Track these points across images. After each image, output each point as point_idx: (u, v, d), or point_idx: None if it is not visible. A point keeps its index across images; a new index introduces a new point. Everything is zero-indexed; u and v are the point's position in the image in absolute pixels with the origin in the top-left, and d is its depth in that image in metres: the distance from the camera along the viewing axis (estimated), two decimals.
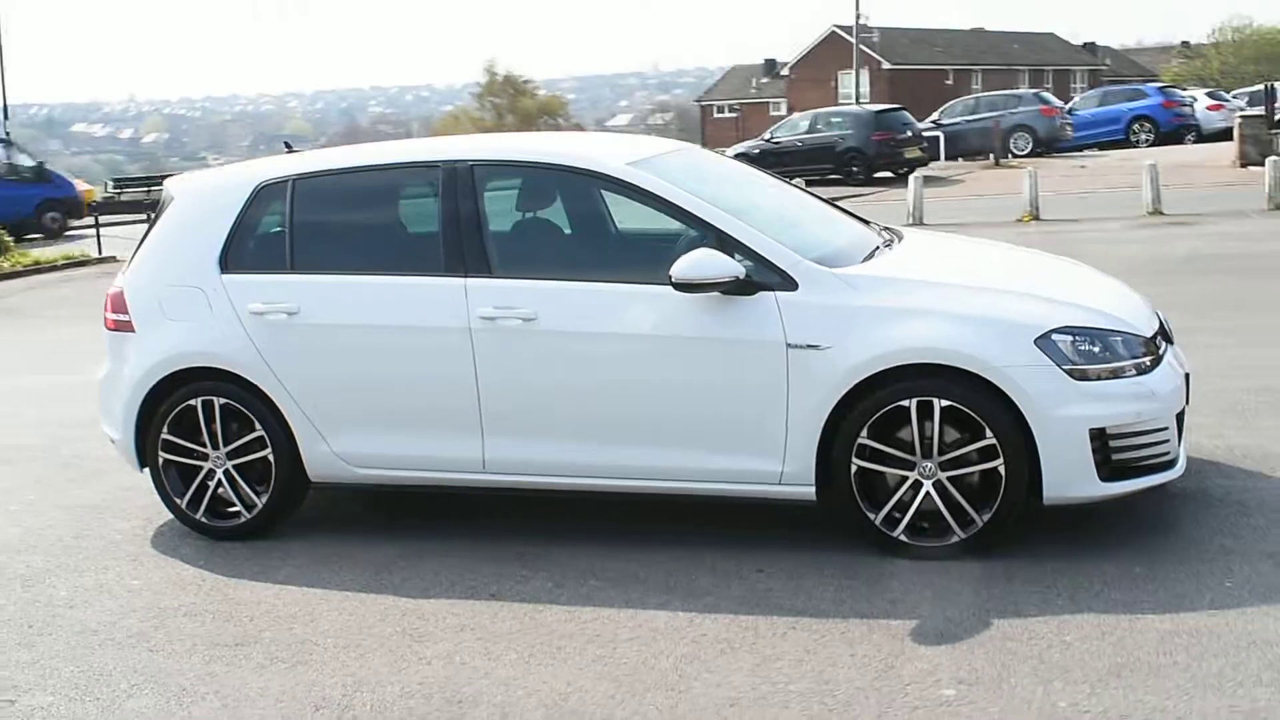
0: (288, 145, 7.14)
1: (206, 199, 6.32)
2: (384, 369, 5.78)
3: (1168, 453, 5.27)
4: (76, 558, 6.02)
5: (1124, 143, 35.48)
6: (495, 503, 6.19)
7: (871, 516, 5.28)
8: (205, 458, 6.05)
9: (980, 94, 41.99)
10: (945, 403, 5.13)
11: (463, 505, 6.29)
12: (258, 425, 5.93)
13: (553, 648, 4.68)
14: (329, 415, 5.85)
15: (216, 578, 5.62)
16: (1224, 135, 33.31)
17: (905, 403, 5.17)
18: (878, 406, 5.19)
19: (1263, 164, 24.61)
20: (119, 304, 6.23)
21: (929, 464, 5.19)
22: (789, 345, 5.26)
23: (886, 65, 70.03)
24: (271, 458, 5.94)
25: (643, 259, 5.83)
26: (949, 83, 71.51)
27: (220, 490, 6.04)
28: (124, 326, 6.21)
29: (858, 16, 51.41)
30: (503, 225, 5.93)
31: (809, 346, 5.24)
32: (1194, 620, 4.53)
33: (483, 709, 4.24)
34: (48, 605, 5.43)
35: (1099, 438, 5.09)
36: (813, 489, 5.35)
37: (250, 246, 6.08)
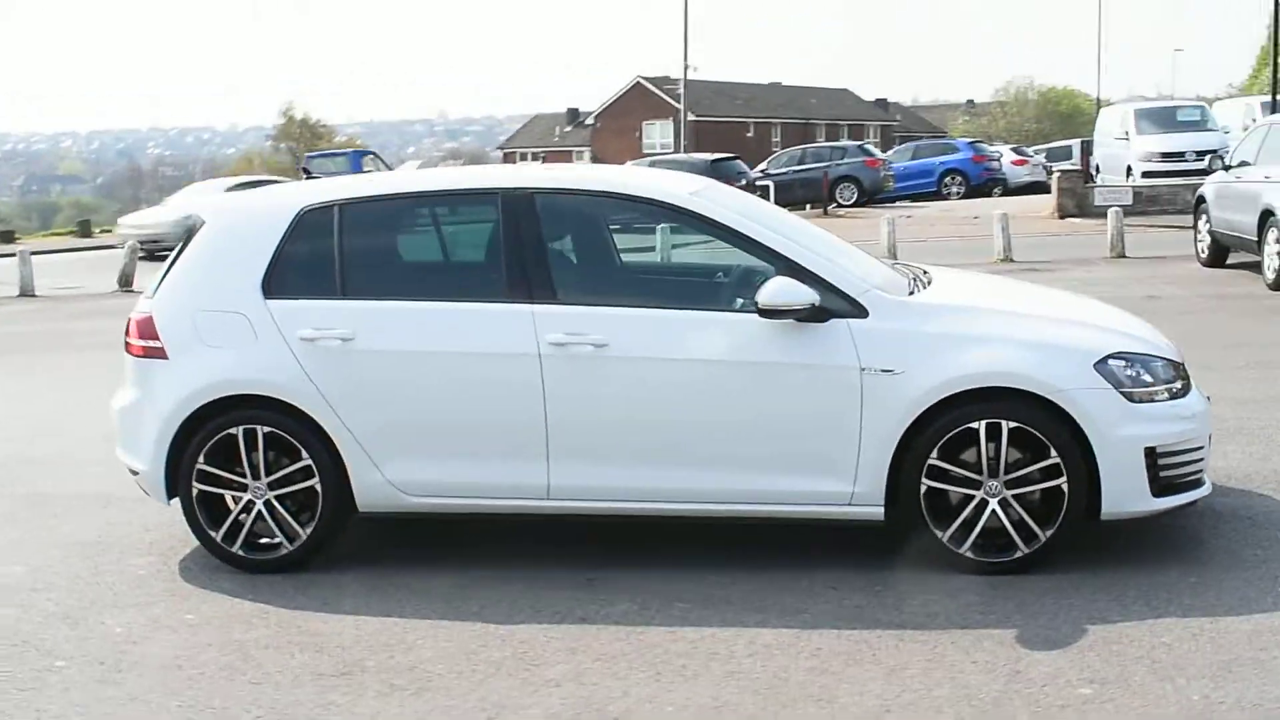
0: (307, 172, 7.04)
1: (243, 224, 6.18)
2: (445, 396, 5.75)
3: (1201, 471, 5.68)
4: (107, 594, 5.77)
5: (935, 194, 37.24)
6: (533, 529, 6.19)
7: (939, 534, 5.51)
8: (244, 488, 5.89)
9: (807, 145, 43.45)
10: (1013, 424, 5.41)
11: (486, 533, 6.27)
12: (304, 454, 5.81)
13: (676, 666, 4.75)
14: (384, 443, 5.77)
15: (280, 611, 5.47)
16: (1029, 189, 35.38)
17: (975, 424, 5.43)
18: (948, 428, 5.44)
19: (1079, 215, 26.28)
20: (147, 329, 6.02)
21: (995, 483, 5.46)
22: (862, 370, 5.47)
23: (692, 116, 71.61)
24: (319, 487, 5.82)
25: (704, 286, 5.97)
26: (750, 135, 73.67)
27: (259, 522, 5.89)
28: (154, 353, 6.00)
29: (686, 68, 52.46)
30: (564, 253, 5.98)
31: (883, 371, 5.46)
32: (1269, 620, 4.91)
33: None
34: (109, 642, 5.20)
35: (1150, 456, 5.45)
36: (881, 509, 5.55)
37: (295, 272, 5.97)
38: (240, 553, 5.93)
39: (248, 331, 5.88)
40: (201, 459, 5.88)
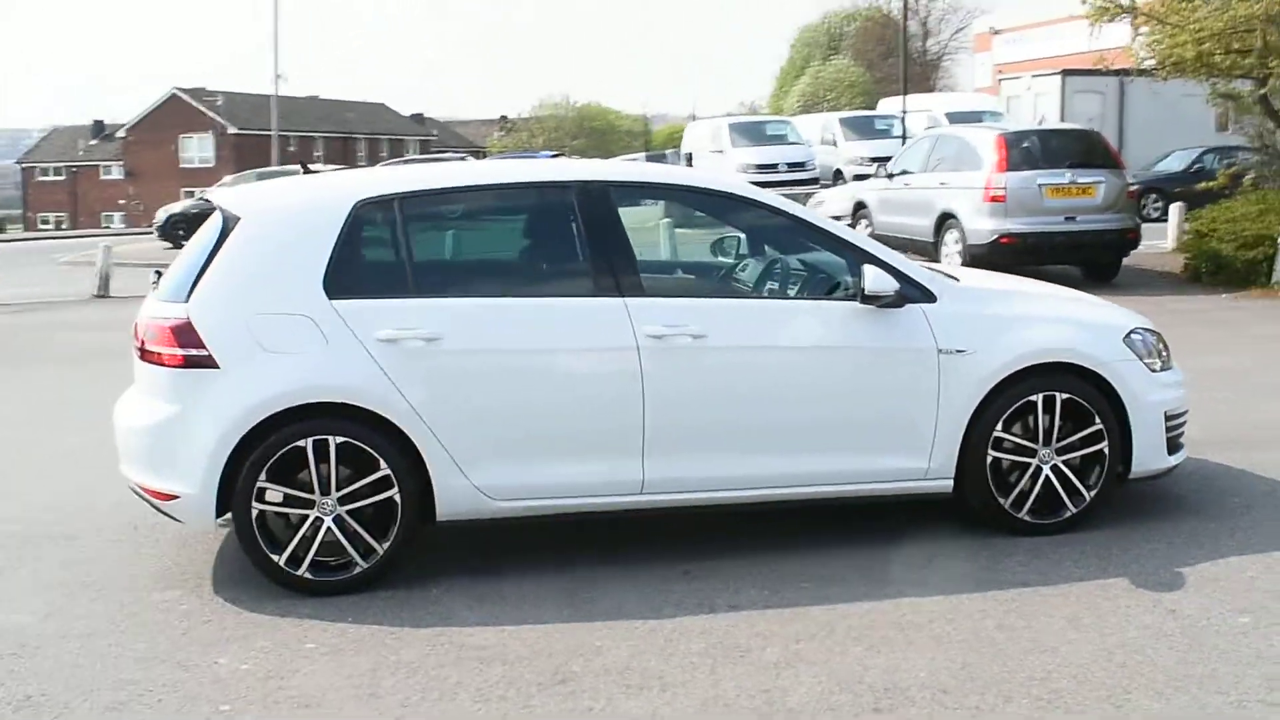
0: (304, 166, 6.49)
1: (292, 219, 5.67)
2: (539, 394, 5.56)
3: (1184, 432, 6.48)
4: (190, 633, 5.12)
5: None
6: (561, 529, 6.07)
7: (1002, 501, 5.97)
8: (311, 505, 5.43)
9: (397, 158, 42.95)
10: (1064, 396, 5.97)
11: (535, 533, 6.11)
12: (382, 464, 5.43)
13: (876, 637, 4.90)
14: (471, 446, 5.50)
15: (404, 630, 5.10)
16: None
17: (1034, 398, 5.94)
18: (1011, 402, 5.92)
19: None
20: (187, 337, 5.39)
21: (1047, 451, 5.99)
22: (940, 351, 5.84)
23: (232, 130, 68.93)
24: (398, 498, 5.46)
25: (779, 277, 6.11)
26: (292, 149, 71.74)
27: (326, 541, 5.44)
28: (199, 362, 5.38)
29: (277, 76, 50.44)
30: (640, 246, 5.93)
31: (957, 351, 5.85)
32: None
33: (909, 691, 4.42)
34: (251, 680, 4.66)
35: (1166, 419, 6.18)
36: (951, 482, 5.94)
37: (359, 270, 5.56)
38: (308, 576, 5.45)
39: (315, 335, 5.43)
40: (263, 476, 5.36)
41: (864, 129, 33.71)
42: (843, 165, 31.11)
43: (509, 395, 5.55)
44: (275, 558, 5.42)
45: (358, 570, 5.48)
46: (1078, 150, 16.45)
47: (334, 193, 5.84)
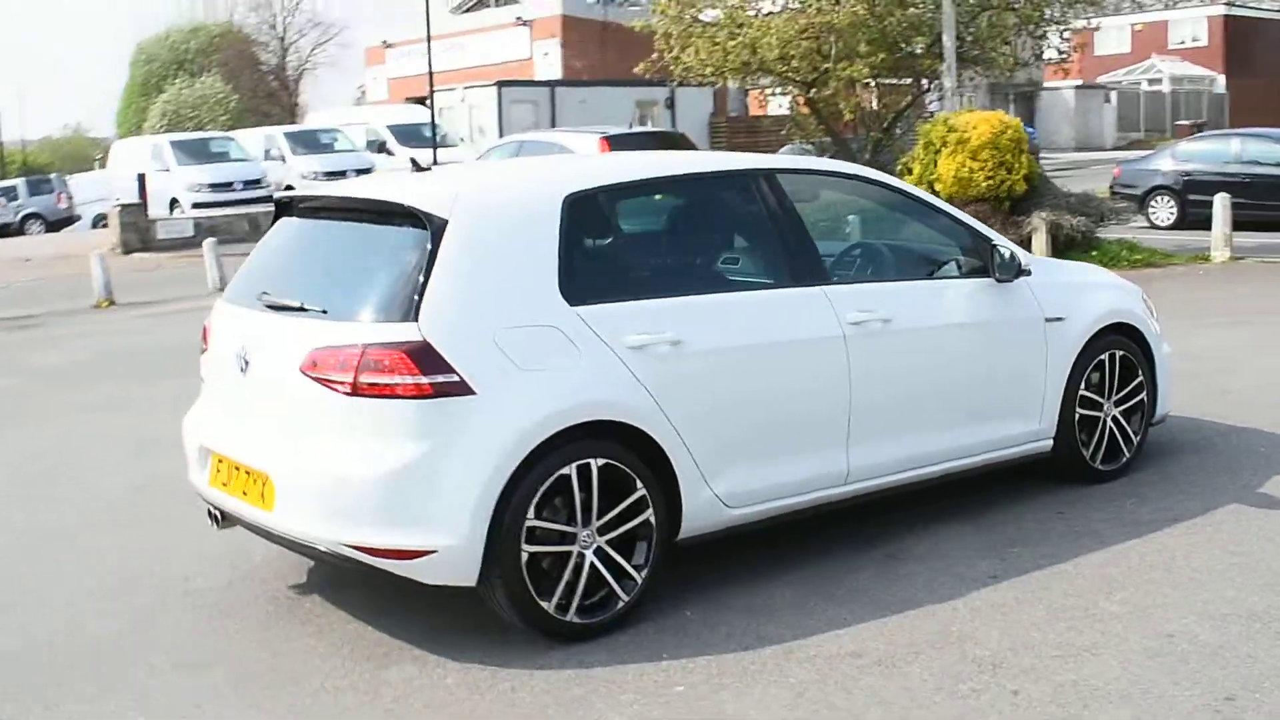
0: (415, 164, 5.55)
1: (510, 219, 4.95)
2: (765, 391, 5.31)
3: None
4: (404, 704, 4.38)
5: None
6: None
7: (1085, 453, 6.49)
8: (573, 539, 4.82)
9: None
10: (1121, 353, 6.60)
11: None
12: (638, 484, 4.93)
13: (1160, 595, 5.18)
14: (712, 453, 5.14)
15: (730, 657, 4.69)
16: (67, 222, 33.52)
17: (1103, 356, 6.51)
18: (1088, 361, 6.45)
19: (145, 250, 25.44)
20: (431, 361, 4.56)
21: (1109, 404, 6.60)
22: (1045, 320, 6.26)
23: None
24: (652, 519, 4.98)
25: (916, 257, 6.18)
26: None
27: (590, 577, 4.87)
28: (451, 390, 4.58)
29: None
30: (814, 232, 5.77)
31: (1056, 319, 6.30)
32: None
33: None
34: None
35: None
36: (1051, 441, 6.37)
37: (584, 271, 5.00)
38: (576, 620, 4.84)
39: (567, 347, 4.82)
40: (531, 513, 4.69)
41: (311, 144, 33.20)
42: (180, 193, 29.92)
43: (743, 395, 5.26)
44: (545, 605, 4.76)
45: (619, 605, 4.94)
46: (670, 149, 17.45)
47: (541, 188, 5.19)
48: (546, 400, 4.73)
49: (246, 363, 5.06)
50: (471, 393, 4.61)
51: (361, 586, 5.42)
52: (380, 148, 34.02)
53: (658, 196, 5.58)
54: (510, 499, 4.64)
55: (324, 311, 4.87)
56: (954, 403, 5.96)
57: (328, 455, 4.70)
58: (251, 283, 5.45)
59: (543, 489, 4.71)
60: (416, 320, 4.63)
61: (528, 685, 4.52)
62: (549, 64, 46.20)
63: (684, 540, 5.18)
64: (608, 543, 4.89)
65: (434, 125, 32.99)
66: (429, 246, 4.75)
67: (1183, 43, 59.10)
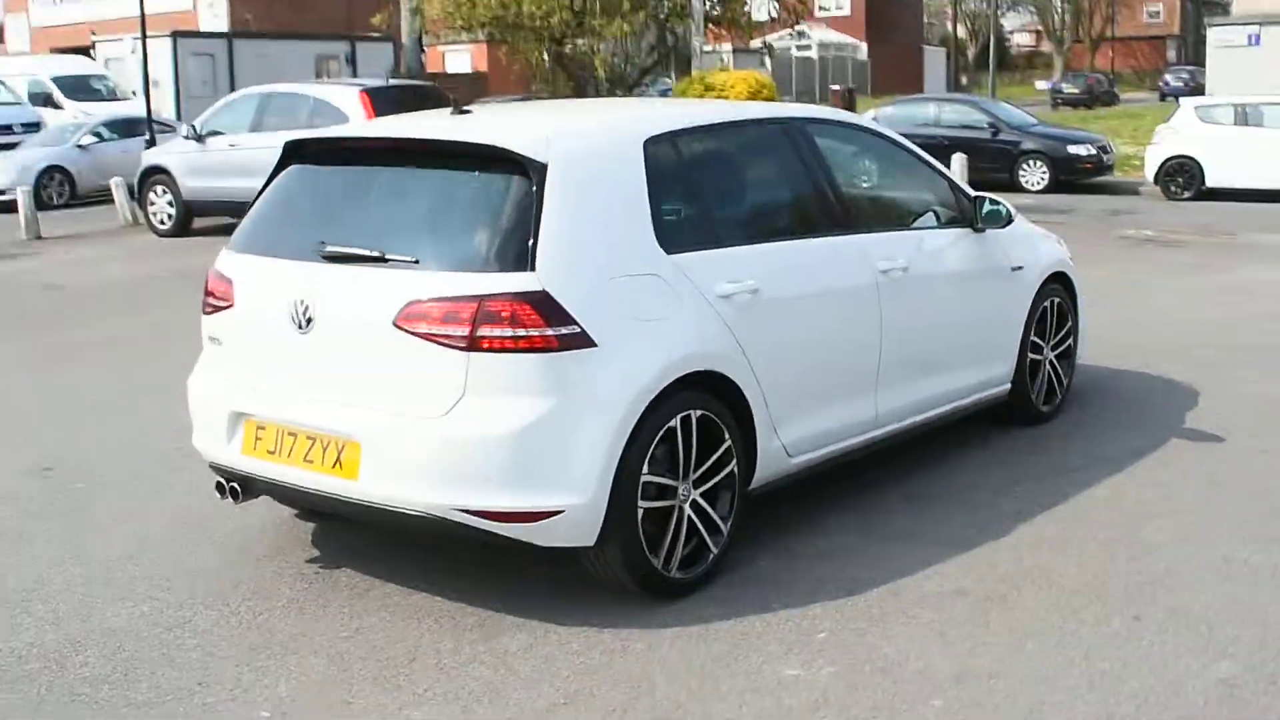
0: (455, 104, 5.15)
1: (602, 164, 4.71)
2: (822, 339, 5.33)
3: None
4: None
5: None
6: None
7: (1032, 395, 6.85)
8: (674, 493, 4.70)
9: None
10: (1058, 300, 6.99)
11: None
12: (726, 435, 4.86)
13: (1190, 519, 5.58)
14: (783, 403, 5.10)
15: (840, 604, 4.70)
16: None
17: (1046, 303, 6.88)
18: (1038, 308, 6.80)
19: None
20: (552, 312, 4.30)
21: (1048, 348, 6.98)
22: (1011, 269, 6.55)
23: None
24: (735, 470, 4.92)
25: (909, 207, 6.26)
26: None
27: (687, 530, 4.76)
28: (574, 342, 4.34)
29: None
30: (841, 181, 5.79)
31: (1018, 268, 6.60)
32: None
33: None
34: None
35: None
36: (1010, 385, 6.67)
37: (670, 218, 4.83)
38: (678, 575, 4.72)
39: (670, 296, 4.68)
40: (646, 468, 4.54)
41: (84, 89, 31.42)
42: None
43: (803, 343, 5.25)
44: (655, 561, 4.62)
45: (710, 558, 4.86)
46: (430, 103, 16.93)
47: (619, 132, 4.96)
48: (660, 351, 4.57)
49: (309, 319, 4.62)
50: (593, 344, 4.40)
51: (393, 559, 5.10)
52: (46, 100, 31.46)
53: (718, 142, 5.43)
54: (628, 455, 4.47)
55: (415, 261, 4.51)
56: (954, 348, 6.16)
57: (436, 415, 4.37)
58: (277, 231, 4.99)
59: (654, 442, 4.56)
60: (534, 269, 4.36)
61: (668, 643, 4.38)
62: (215, 15, 43.83)
63: (754, 490, 5.14)
64: (701, 495, 4.80)
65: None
66: (533, 190, 4.47)
67: (828, 10, 62.46)
